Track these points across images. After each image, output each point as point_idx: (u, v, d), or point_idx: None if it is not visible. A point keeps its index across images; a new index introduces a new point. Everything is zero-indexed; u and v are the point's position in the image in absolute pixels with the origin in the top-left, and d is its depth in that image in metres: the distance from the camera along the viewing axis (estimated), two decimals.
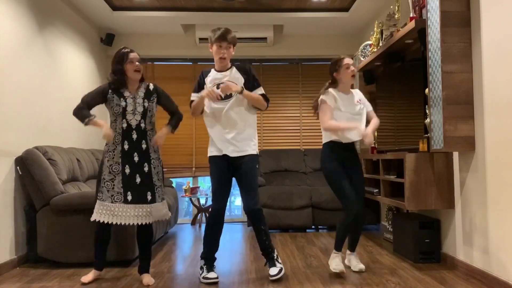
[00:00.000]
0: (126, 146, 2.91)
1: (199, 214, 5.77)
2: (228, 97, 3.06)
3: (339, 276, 3.11)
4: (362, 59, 4.81)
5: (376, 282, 2.95)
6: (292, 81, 6.10)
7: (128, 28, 5.74)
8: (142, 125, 2.98)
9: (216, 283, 2.96)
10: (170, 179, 5.68)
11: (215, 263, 3.12)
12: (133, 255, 3.47)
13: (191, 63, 6.10)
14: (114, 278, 3.12)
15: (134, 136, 2.94)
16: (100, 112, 3.52)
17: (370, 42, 4.60)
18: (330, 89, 3.19)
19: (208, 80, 3.17)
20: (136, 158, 2.92)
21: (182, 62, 6.11)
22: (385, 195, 3.89)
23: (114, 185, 2.88)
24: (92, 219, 2.89)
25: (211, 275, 2.99)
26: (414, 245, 3.47)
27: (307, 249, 4.05)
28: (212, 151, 3.22)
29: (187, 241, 4.61)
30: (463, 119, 3.02)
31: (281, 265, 3.06)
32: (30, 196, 3.54)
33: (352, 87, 3.35)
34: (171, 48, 5.99)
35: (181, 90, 6.03)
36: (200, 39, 5.73)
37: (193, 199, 5.78)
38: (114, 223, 2.87)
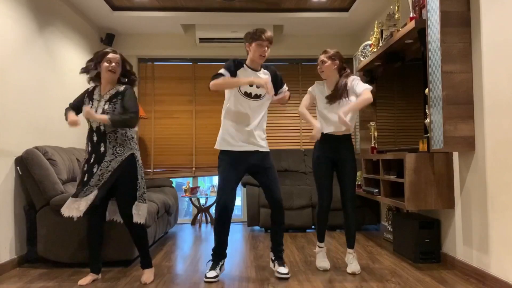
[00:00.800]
0: (89, 148, 3.00)
1: (199, 214, 5.78)
2: (258, 96, 3.14)
3: (339, 276, 3.11)
4: (362, 59, 4.81)
5: (376, 282, 2.95)
6: (292, 81, 6.10)
7: (128, 28, 5.74)
8: (102, 127, 2.95)
9: (213, 282, 2.99)
10: (170, 179, 5.68)
11: (222, 261, 3.13)
12: (133, 255, 3.47)
13: (191, 63, 6.10)
14: (114, 278, 3.12)
15: (95, 138, 2.98)
16: None
17: (370, 42, 4.60)
18: (317, 82, 3.37)
19: (242, 75, 3.15)
20: (92, 160, 2.97)
21: (182, 62, 6.11)
22: (385, 195, 3.89)
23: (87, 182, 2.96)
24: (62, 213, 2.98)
25: (210, 274, 3.02)
26: (414, 245, 3.47)
27: (307, 249, 4.05)
28: (224, 145, 3.13)
29: (187, 241, 4.61)
30: (463, 119, 3.02)
31: (288, 269, 3.17)
32: (30, 196, 3.54)
33: (340, 81, 3.24)
34: (171, 48, 5.99)
35: (181, 90, 6.06)
36: (200, 39, 5.73)
37: (193, 199, 5.78)
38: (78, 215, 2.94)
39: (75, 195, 2.95)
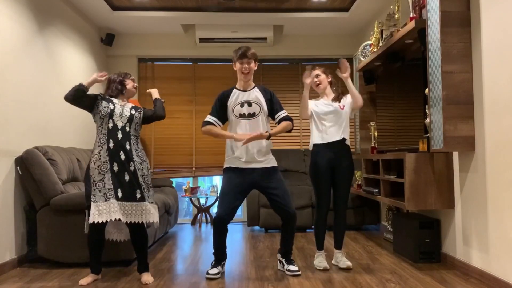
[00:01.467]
0: (111, 145, 2.96)
1: (199, 214, 5.78)
2: (252, 115, 3.22)
3: (338, 276, 3.11)
4: (362, 59, 4.81)
5: (376, 282, 2.95)
6: (292, 81, 6.10)
7: (128, 28, 5.74)
8: (127, 128, 3.04)
9: (214, 279, 3.08)
10: (170, 179, 5.68)
11: (223, 262, 3.25)
12: (133, 255, 3.47)
13: (191, 63, 6.10)
14: (114, 278, 3.12)
15: (119, 135, 2.99)
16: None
17: (370, 42, 4.60)
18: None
19: (232, 99, 3.27)
20: (122, 156, 2.96)
21: (182, 62, 6.11)
22: (385, 195, 3.89)
23: (104, 183, 2.90)
24: (90, 221, 2.84)
25: (212, 271, 3.13)
26: (414, 245, 3.47)
27: (307, 249, 4.05)
28: (227, 163, 3.25)
29: (187, 241, 4.61)
30: (463, 119, 3.02)
31: (297, 266, 3.26)
32: (30, 196, 3.55)
33: (336, 96, 3.42)
34: (171, 48, 5.99)
35: (181, 90, 6.06)
36: (200, 39, 5.73)
37: (193, 199, 5.78)
38: (109, 220, 2.85)
39: (132, 198, 2.95)
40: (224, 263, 3.25)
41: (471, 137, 3.03)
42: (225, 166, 3.24)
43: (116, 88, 3.13)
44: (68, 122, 4.59)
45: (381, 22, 4.36)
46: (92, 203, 2.86)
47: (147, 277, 3.03)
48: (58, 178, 3.56)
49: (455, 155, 3.32)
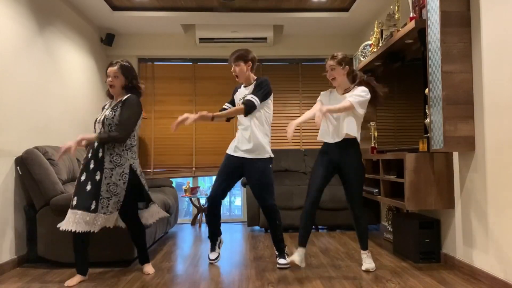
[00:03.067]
0: (89, 154, 3.00)
1: (199, 214, 5.78)
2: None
3: (338, 276, 3.11)
4: (362, 59, 4.81)
5: (376, 282, 2.95)
6: (292, 81, 6.10)
7: (128, 28, 5.74)
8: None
9: (214, 262, 3.49)
10: (170, 179, 5.68)
11: (219, 239, 3.59)
12: (133, 255, 3.47)
13: (191, 63, 6.10)
14: (114, 278, 3.12)
15: (95, 144, 2.99)
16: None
17: (370, 42, 4.60)
18: (323, 92, 3.34)
19: (237, 95, 3.55)
20: (91, 165, 2.95)
21: (182, 62, 6.11)
22: (385, 195, 3.89)
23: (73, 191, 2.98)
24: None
25: (212, 255, 3.52)
26: (414, 245, 3.47)
27: (307, 249, 4.05)
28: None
29: (187, 241, 4.61)
30: (463, 119, 3.02)
31: (289, 259, 3.26)
32: (30, 196, 3.55)
33: (348, 87, 3.22)
34: (171, 48, 5.99)
35: (181, 90, 6.06)
36: (200, 39, 5.73)
37: (193, 199, 5.78)
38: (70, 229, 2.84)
39: (85, 208, 2.84)
40: (220, 240, 3.61)
41: (471, 137, 3.03)
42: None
43: (108, 93, 3.23)
44: (68, 122, 4.59)
45: (381, 22, 4.36)
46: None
47: (147, 268, 3.24)
48: (58, 178, 3.56)
49: (455, 155, 3.32)
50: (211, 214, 3.54)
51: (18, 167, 3.51)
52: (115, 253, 3.43)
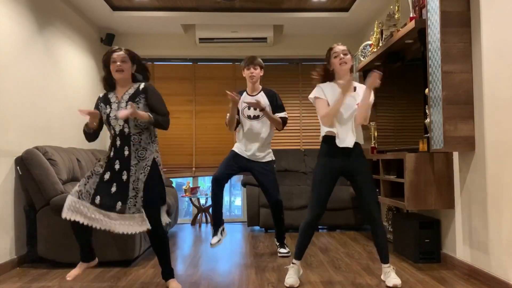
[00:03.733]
0: (112, 154, 2.74)
1: (199, 214, 5.78)
2: (256, 117, 3.72)
3: (338, 276, 3.11)
4: (362, 59, 4.81)
5: (376, 282, 2.95)
6: (292, 81, 6.10)
7: (128, 28, 5.74)
8: (126, 130, 2.73)
9: (214, 246, 3.58)
10: (170, 179, 5.68)
11: (222, 227, 3.67)
12: (133, 255, 3.47)
13: (191, 63, 6.10)
14: (114, 278, 3.12)
15: (118, 142, 2.73)
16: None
17: (370, 42, 4.60)
18: (320, 84, 2.98)
19: (241, 101, 3.73)
20: (117, 166, 2.71)
21: (182, 62, 6.11)
22: (385, 195, 3.89)
23: (88, 182, 2.69)
24: (62, 216, 2.69)
25: (214, 240, 3.59)
26: (414, 245, 3.47)
27: (307, 249, 4.04)
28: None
29: (187, 241, 4.61)
30: (463, 119, 3.02)
31: (288, 249, 3.77)
32: (30, 196, 3.54)
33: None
34: (171, 48, 5.99)
35: (181, 90, 6.06)
36: (200, 39, 5.73)
37: (193, 199, 5.78)
38: (74, 219, 2.65)
39: (111, 208, 2.64)
40: (223, 228, 3.68)
41: (471, 137, 3.03)
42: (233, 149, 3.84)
43: (107, 85, 2.85)
44: (68, 122, 4.58)
45: (381, 22, 4.36)
46: (69, 195, 2.70)
47: (172, 285, 2.78)
48: (58, 178, 3.56)
49: (455, 155, 3.32)
50: (216, 196, 3.66)
51: (18, 167, 3.51)
52: (115, 253, 3.43)
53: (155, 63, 6.08)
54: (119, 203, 2.66)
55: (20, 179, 3.57)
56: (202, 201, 5.84)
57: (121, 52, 2.77)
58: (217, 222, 3.68)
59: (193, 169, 5.99)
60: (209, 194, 5.76)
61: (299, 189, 5.07)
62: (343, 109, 2.86)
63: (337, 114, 2.85)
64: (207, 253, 3.93)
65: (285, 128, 6.24)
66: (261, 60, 3.77)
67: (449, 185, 3.33)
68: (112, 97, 2.80)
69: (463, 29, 3.05)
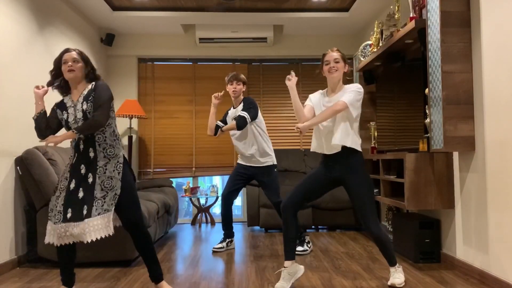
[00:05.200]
0: (74, 160, 2.60)
1: (199, 214, 5.78)
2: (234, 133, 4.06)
3: (338, 276, 3.11)
4: (362, 59, 4.81)
5: (376, 282, 2.95)
6: None
7: (128, 28, 5.74)
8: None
9: (216, 251, 3.97)
10: (170, 179, 5.68)
11: (230, 239, 4.09)
12: (133, 255, 3.47)
13: (191, 63, 6.10)
14: (114, 278, 3.12)
15: (82, 146, 2.59)
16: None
17: (370, 42, 4.60)
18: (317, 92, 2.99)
19: (228, 115, 4.16)
20: (83, 171, 2.56)
21: (182, 62, 6.11)
22: (385, 195, 3.89)
23: (57, 203, 2.54)
24: (45, 241, 2.57)
25: (217, 245, 4.02)
26: (414, 245, 3.47)
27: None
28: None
29: (187, 241, 4.61)
30: (463, 119, 3.02)
31: (307, 247, 3.90)
32: (30, 196, 3.55)
33: (341, 85, 2.90)
34: (171, 48, 5.99)
35: (181, 90, 6.06)
36: (200, 39, 5.73)
37: (193, 199, 5.78)
38: (58, 244, 2.51)
39: (78, 218, 2.46)
40: (231, 241, 4.08)
41: (471, 137, 3.03)
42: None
43: (59, 88, 2.70)
44: None
45: (381, 22, 4.36)
46: (48, 220, 2.56)
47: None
48: (58, 178, 3.56)
49: (455, 155, 3.32)
50: (224, 209, 4.08)
51: (18, 167, 3.51)
52: (115, 253, 3.43)
53: (155, 63, 6.08)
54: (85, 207, 2.49)
55: (20, 179, 3.57)
56: (202, 201, 5.84)
57: (73, 53, 2.63)
58: (227, 233, 4.08)
59: (193, 169, 5.99)
60: (214, 197, 5.78)
61: None
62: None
63: (299, 114, 2.83)
64: (207, 253, 3.93)
65: (285, 128, 6.26)
66: (244, 77, 4.03)
67: (449, 185, 3.33)
68: (68, 101, 2.66)
69: (463, 29, 3.05)
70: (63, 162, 3.75)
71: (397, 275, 2.83)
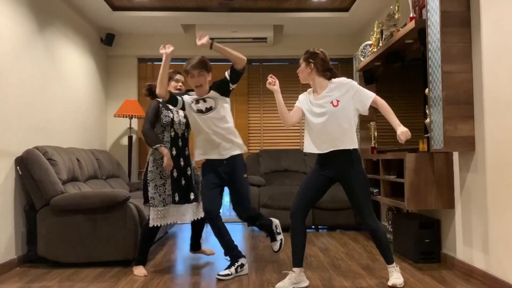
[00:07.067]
0: (174, 152, 3.28)
1: None
2: (208, 110, 3.16)
3: (338, 276, 3.11)
4: (362, 59, 4.81)
5: (376, 282, 2.95)
6: (292, 81, 6.10)
7: (128, 28, 5.74)
8: (186, 134, 3.39)
9: (222, 280, 3.06)
10: None
11: (239, 262, 3.15)
12: (133, 255, 3.47)
13: None
14: (114, 278, 3.12)
15: (180, 143, 3.32)
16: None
17: (370, 42, 4.60)
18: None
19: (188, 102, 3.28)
20: (182, 163, 3.31)
21: (182, 62, 6.10)
22: (385, 195, 3.89)
23: (165, 188, 3.23)
24: (150, 225, 3.17)
25: (222, 272, 3.10)
26: (414, 245, 3.47)
27: (307, 249, 4.05)
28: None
29: (187, 241, 4.61)
30: (463, 119, 3.02)
31: (280, 236, 3.39)
32: (30, 196, 3.54)
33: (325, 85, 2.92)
34: None
35: None
36: None
37: None
38: (167, 223, 3.23)
39: (189, 199, 3.31)
40: (241, 264, 3.13)
41: (471, 137, 3.03)
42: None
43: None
44: (68, 122, 4.59)
45: (381, 22, 4.36)
46: (151, 207, 3.18)
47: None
48: (58, 178, 3.56)
49: (455, 155, 3.32)
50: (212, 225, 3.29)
51: (18, 167, 3.51)
52: (115, 253, 3.43)
53: (155, 63, 6.08)
54: (192, 194, 3.32)
55: (20, 179, 3.57)
56: None
57: (182, 78, 3.43)
58: (231, 254, 3.16)
59: None
60: None
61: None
62: (311, 115, 2.88)
63: (284, 117, 2.94)
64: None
65: (284, 128, 6.25)
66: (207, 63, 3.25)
67: (449, 185, 3.33)
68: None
69: (463, 29, 3.05)
70: (63, 162, 3.75)
71: (396, 275, 2.83)
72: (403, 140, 2.69)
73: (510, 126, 2.63)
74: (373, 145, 4.71)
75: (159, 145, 3.17)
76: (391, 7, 4.25)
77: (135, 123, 5.93)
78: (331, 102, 2.80)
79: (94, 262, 3.45)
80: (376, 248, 4.01)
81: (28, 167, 3.46)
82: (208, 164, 3.19)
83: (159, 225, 3.18)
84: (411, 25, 3.38)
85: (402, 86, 4.12)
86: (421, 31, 3.35)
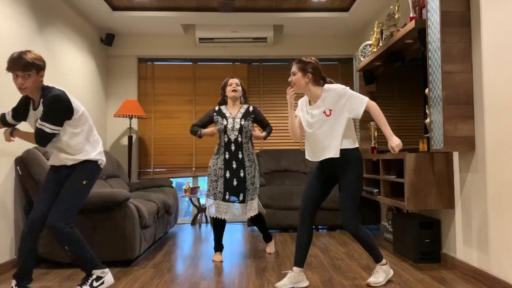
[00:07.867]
0: (227, 156, 3.62)
1: (199, 214, 5.78)
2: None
3: (338, 276, 3.11)
4: (362, 59, 4.81)
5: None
6: None
7: (128, 28, 5.74)
8: (239, 139, 3.64)
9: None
10: (170, 179, 5.68)
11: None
12: (133, 255, 3.47)
13: (191, 63, 6.10)
14: (114, 278, 3.12)
15: (233, 148, 3.63)
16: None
17: (370, 42, 4.60)
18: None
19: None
20: (234, 165, 3.61)
21: (182, 62, 6.11)
22: (385, 195, 3.89)
23: (217, 185, 3.62)
24: (207, 213, 3.69)
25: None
26: (414, 245, 3.47)
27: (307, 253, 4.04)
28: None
29: (187, 241, 4.61)
30: (463, 119, 3.02)
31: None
32: (30, 196, 3.54)
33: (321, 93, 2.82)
34: (171, 48, 5.99)
35: (181, 90, 6.06)
36: (200, 39, 5.73)
37: (193, 199, 5.78)
38: (214, 216, 3.58)
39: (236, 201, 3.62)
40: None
41: (471, 137, 3.03)
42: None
43: (222, 98, 3.79)
44: None
45: (381, 22, 4.36)
46: (209, 198, 3.63)
47: (270, 248, 3.91)
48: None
49: (455, 155, 3.32)
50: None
51: (18, 167, 3.51)
52: (115, 253, 3.43)
53: (155, 63, 6.08)
54: (241, 195, 3.60)
55: (20, 179, 3.57)
56: (202, 201, 5.84)
57: (235, 79, 3.75)
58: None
59: (193, 169, 5.99)
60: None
61: (299, 189, 5.07)
62: (305, 125, 2.87)
63: (294, 132, 2.93)
64: (207, 253, 3.93)
65: (285, 128, 6.26)
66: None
67: (449, 185, 3.33)
68: (226, 112, 3.71)
69: (463, 29, 3.05)
70: None
71: (378, 274, 2.85)
72: (397, 151, 2.75)
73: (510, 126, 2.63)
74: (373, 145, 4.71)
75: (200, 131, 3.66)
76: (391, 7, 4.25)
77: (135, 123, 5.93)
78: (324, 112, 2.77)
79: None
80: None
81: (28, 167, 3.46)
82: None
83: (213, 216, 3.59)
84: (411, 25, 3.38)
85: (402, 86, 4.12)
86: (421, 31, 3.35)
